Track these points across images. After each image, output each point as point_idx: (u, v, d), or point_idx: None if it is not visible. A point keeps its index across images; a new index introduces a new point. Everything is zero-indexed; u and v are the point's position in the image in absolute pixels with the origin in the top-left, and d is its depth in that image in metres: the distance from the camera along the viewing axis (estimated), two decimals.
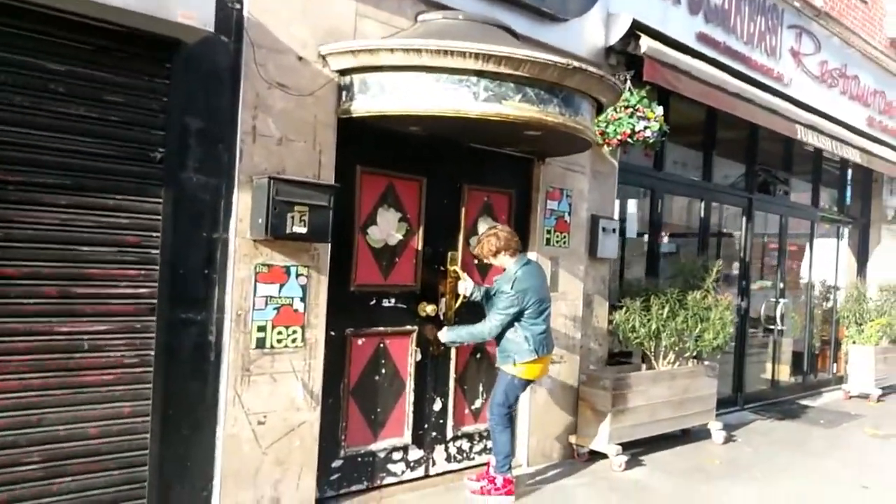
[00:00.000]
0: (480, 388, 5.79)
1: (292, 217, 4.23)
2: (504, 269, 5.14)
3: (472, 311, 5.36)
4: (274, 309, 4.38)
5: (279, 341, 4.41)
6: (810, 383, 10.37)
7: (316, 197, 4.34)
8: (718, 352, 6.97)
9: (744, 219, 8.89)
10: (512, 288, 4.97)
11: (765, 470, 6.26)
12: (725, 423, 7.34)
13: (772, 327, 9.42)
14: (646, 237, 7.85)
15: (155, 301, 3.98)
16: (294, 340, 4.48)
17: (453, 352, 5.54)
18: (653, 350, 6.69)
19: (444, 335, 5.20)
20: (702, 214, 8.26)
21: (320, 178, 4.52)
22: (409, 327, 5.30)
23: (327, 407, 4.79)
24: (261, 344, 4.33)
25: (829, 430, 8.04)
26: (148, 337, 3.98)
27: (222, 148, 4.19)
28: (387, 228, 5.15)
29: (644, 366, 6.90)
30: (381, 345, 5.18)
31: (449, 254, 5.47)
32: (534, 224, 5.97)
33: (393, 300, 5.21)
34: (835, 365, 10.95)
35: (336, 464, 4.94)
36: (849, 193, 11.34)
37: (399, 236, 5.21)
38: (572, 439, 6.25)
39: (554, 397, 6.13)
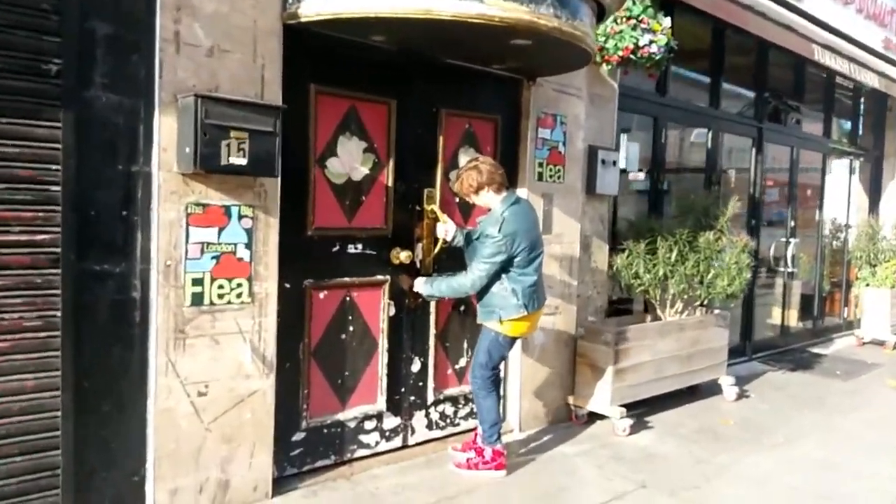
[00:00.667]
0: (465, 345, 5.11)
1: (228, 145, 3.48)
2: (489, 210, 4.40)
3: (454, 258, 4.69)
4: (212, 258, 3.67)
5: (221, 297, 3.72)
6: (820, 329, 9.79)
7: (257, 120, 3.57)
8: (732, 300, 6.29)
9: (753, 151, 8.15)
10: (499, 231, 4.24)
11: (784, 432, 5.61)
12: (736, 377, 6.69)
13: (781, 269, 8.76)
14: (640, 174, 7.06)
15: (58, 250, 3.31)
16: (239, 295, 3.78)
17: (433, 304, 4.87)
18: (658, 298, 5.99)
19: (421, 286, 4.50)
20: (709, 146, 7.53)
21: (263, 98, 3.75)
22: (379, 277, 4.60)
23: (284, 372, 4.13)
24: (197, 300, 3.64)
25: (848, 382, 7.42)
26: (52, 294, 3.31)
27: (137, 59, 3.42)
28: (350, 161, 4.39)
29: (648, 315, 6.23)
30: (348, 298, 4.48)
31: (425, 191, 4.75)
32: (523, 156, 5.22)
33: (360, 246, 4.50)
34: (846, 309, 10.35)
35: (297, 437, 4.30)
36: (861, 124, 10.57)
37: (365, 170, 4.47)
38: (570, 400, 5.59)
39: (548, 353, 5.46)
